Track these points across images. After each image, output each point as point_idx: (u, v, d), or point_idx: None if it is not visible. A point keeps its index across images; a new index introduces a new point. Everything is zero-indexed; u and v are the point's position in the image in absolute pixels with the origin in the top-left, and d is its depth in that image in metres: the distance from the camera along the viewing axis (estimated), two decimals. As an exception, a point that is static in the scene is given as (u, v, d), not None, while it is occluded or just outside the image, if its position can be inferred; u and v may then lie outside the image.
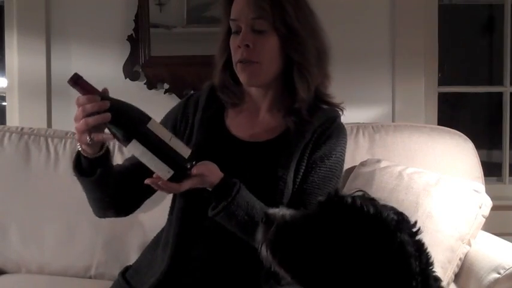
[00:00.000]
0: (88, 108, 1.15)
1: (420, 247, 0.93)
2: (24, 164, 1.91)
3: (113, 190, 1.34)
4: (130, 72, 2.34)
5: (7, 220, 1.87)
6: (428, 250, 0.94)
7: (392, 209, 0.95)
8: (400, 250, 0.88)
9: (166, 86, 2.34)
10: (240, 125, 1.45)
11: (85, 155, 1.25)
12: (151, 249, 1.46)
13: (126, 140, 1.16)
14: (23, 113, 2.34)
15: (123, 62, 2.34)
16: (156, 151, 1.17)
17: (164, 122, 1.49)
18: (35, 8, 2.32)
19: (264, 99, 1.45)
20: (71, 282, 1.83)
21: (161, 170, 1.19)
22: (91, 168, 1.28)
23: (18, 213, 1.88)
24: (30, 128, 1.98)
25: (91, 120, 1.15)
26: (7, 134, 1.94)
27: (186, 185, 1.23)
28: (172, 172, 1.18)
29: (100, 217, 1.44)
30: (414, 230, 0.94)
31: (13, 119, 2.36)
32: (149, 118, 1.18)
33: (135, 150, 1.17)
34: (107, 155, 1.28)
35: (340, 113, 1.50)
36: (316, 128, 1.42)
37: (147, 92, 2.34)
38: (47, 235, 1.86)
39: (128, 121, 1.16)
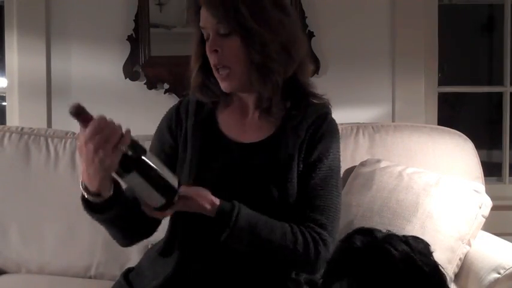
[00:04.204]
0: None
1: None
2: (24, 164, 1.91)
3: (133, 219, 1.30)
4: (130, 72, 2.34)
5: (7, 220, 1.87)
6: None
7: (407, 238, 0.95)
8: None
9: (166, 86, 2.34)
10: (233, 126, 1.43)
11: (96, 201, 1.20)
12: (154, 251, 1.45)
13: (126, 172, 1.14)
14: (23, 113, 2.34)
15: (123, 62, 2.34)
16: (152, 182, 1.16)
17: (160, 131, 1.47)
18: (35, 8, 2.32)
19: (249, 98, 1.42)
20: (71, 282, 1.83)
21: (154, 199, 1.19)
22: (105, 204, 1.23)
23: (18, 213, 1.87)
24: (30, 128, 1.98)
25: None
26: (7, 134, 1.94)
27: (169, 211, 1.23)
28: (164, 201, 1.19)
29: (126, 246, 1.43)
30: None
31: (13, 119, 2.36)
32: (145, 150, 1.17)
33: (132, 181, 1.16)
34: (119, 189, 1.23)
35: (330, 107, 1.46)
36: (309, 125, 1.40)
37: (147, 92, 2.34)
38: (47, 235, 1.86)
39: (129, 154, 1.14)
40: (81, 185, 1.19)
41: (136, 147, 1.14)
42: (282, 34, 1.34)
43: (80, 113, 1.08)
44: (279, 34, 1.33)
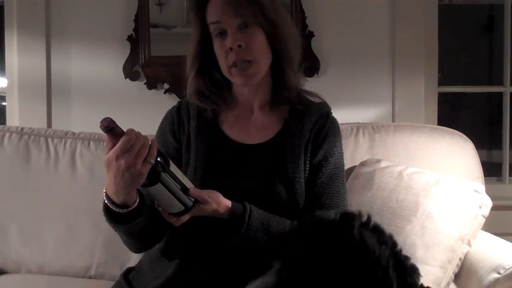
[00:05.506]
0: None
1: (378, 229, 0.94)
2: (24, 164, 1.91)
3: (152, 227, 1.30)
4: (130, 72, 2.34)
5: (7, 220, 1.87)
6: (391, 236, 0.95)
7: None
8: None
9: (166, 86, 2.34)
10: (236, 128, 1.43)
11: (122, 212, 1.19)
12: (155, 252, 1.45)
13: (152, 183, 1.14)
14: (23, 113, 2.34)
15: (123, 62, 2.34)
16: (175, 192, 1.18)
17: (162, 135, 1.47)
18: (35, 8, 2.32)
19: (255, 98, 1.43)
20: (71, 282, 1.83)
21: (174, 206, 1.20)
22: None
23: (18, 213, 1.87)
24: (30, 128, 1.98)
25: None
26: (7, 134, 1.94)
27: (186, 217, 1.24)
28: (183, 208, 1.21)
29: (138, 252, 1.44)
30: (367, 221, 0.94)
31: (13, 119, 2.36)
32: (169, 160, 1.18)
33: (155, 191, 1.17)
34: (143, 199, 1.23)
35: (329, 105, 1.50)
36: (313, 125, 1.41)
37: (147, 92, 2.35)
38: (47, 235, 1.86)
39: (155, 166, 1.14)
40: (105, 196, 1.18)
41: (162, 158, 1.15)
42: (292, 28, 1.41)
43: (111, 128, 1.08)
44: (291, 27, 1.40)
